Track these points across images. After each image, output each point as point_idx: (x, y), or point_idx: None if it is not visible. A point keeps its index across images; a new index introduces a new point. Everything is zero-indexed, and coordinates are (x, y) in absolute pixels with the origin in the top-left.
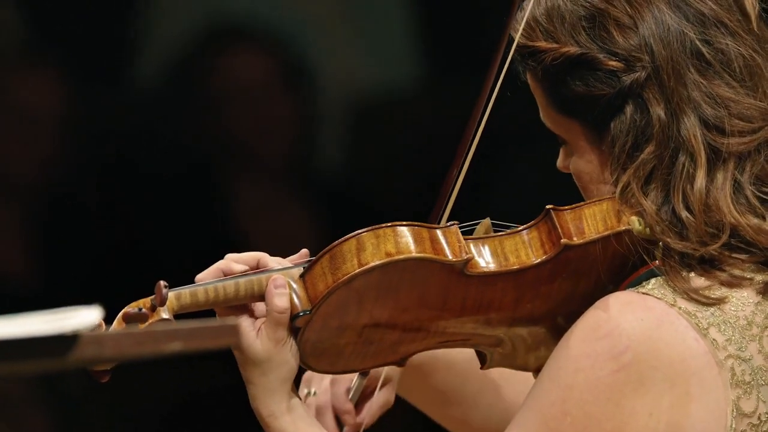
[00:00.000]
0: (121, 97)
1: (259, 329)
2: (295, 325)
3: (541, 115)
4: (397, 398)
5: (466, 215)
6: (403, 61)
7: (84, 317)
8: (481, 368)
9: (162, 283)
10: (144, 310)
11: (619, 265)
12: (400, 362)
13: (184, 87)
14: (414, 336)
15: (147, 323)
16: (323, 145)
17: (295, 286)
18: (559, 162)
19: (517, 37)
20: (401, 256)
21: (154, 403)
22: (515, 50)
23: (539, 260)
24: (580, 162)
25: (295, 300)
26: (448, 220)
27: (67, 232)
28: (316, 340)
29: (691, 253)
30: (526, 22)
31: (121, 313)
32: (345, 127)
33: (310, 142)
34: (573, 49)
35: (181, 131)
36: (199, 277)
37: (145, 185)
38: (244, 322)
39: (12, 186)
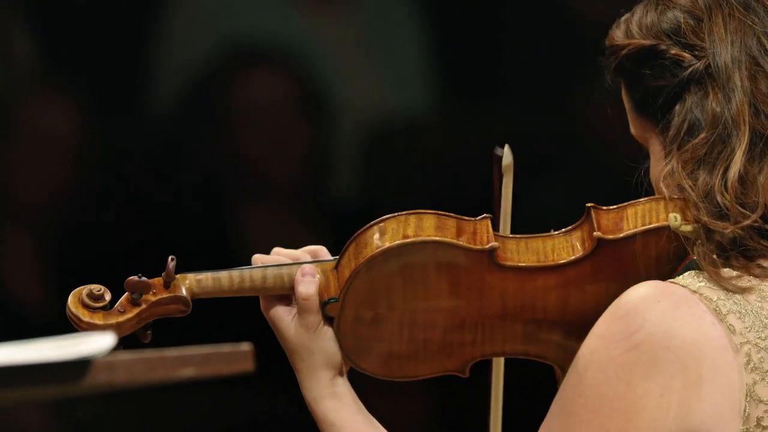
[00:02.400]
0: (134, 123)
1: (294, 317)
2: (327, 313)
3: (630, 124)
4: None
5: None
6: (418, 86)
7: (97, 342)
8: (557, 387)
9: (169, 257)
10: (144, 277)
11: (666, 267)
12: (461, 370)
13: (198, 111)
14: (462, 338)
15: (158, 297)
16: (337, 169)
17: (328, 276)
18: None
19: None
20: (418, 239)
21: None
22: (606, 53)
23: (577, 256)
24: (655, 166)
25: (327, 290)
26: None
27: (81, 256)
28: (355, 334)
29: (722, 231)
30: (621, 30)
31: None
32: (359, 152)
33: (323, 165)
34: (646, 42)
35: (195, 156)
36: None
37: (158, 210)
38: (280, 310)
39: (27, 211)
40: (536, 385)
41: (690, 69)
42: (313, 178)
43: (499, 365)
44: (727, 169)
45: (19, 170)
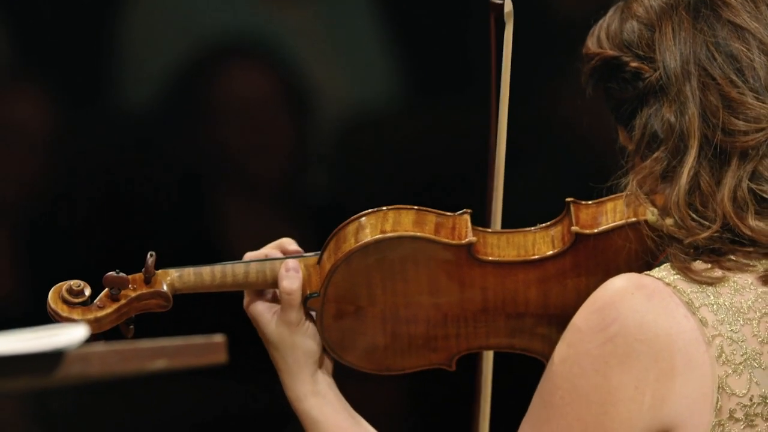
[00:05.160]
0: (109, 118)
1: (275, 313)
2: (309, 307)
3: None
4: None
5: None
6: (394, 78)
7: (70, 334)
8: None
9: (149, 253)
10: (121, 273)
11: (644, 260)
12: (448, 364)
13: (173, 104)
14: (445, 331)
15: (138, 293)
16: (315, 162)
17: (311, 272)
18: None
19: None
20: (394, 234)
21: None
22: (582, 61)
23: (556, 251)
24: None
25: (309, 285)
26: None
27: (55, 250)
28: (338, 328)
29: (682, 238)
30: (594, 37)
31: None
32: (338, 144)
33: (301, 158)
34: (610, 53)
35: (169, 150)
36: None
37: (134, 203)
38: (261, 306)
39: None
40: (525, 378)
41: (646, 81)
42: (289, 171)
43: (487, 359)
44: (679, 180)
45: None
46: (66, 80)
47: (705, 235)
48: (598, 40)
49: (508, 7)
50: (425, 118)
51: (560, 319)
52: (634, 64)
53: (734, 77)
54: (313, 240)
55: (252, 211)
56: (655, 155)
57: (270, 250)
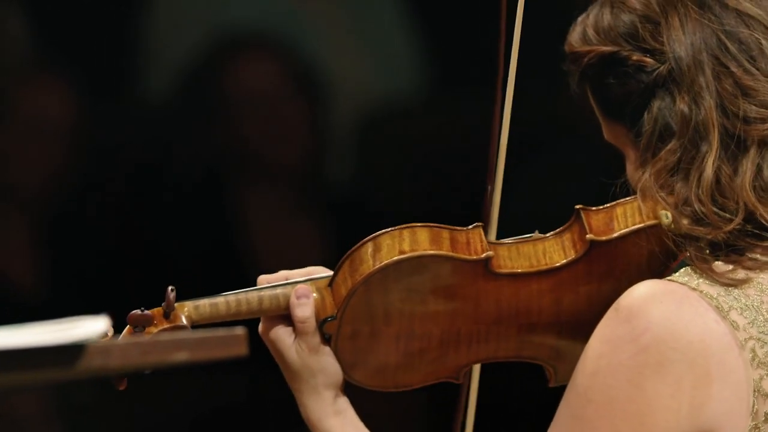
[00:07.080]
0: (130, 107)
1: (295, 338)
2: (325, 331)
3: (603, 129)
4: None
5: (514, 229)
6: (413, 71)
7: (91, 326)
8: (548, 386)
9: (169, 288)
10: (147, 311)
11: (659, 265)
12: (456, 377)
13: (192, 97)
14: (457, 347)
15: (159, 328)
16: (332, 155)
17: (323, 294)
18: None
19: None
20: (414, 254)
21: (168, 417)
22: (567, 60)
23: (569, 259)
24: (633, 172)
25: (323, 308)
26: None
27: (76, 242)
28: (351, 349)
29: (704, 237)
30: (578, 33)
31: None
32: (355, 137)
33: (319, 151)
34: (606, 49)
35: (189, 141)
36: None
37: (153, 195)
38: (280, 331)
39: (21, 195)
40: (511, 384)
41: (654, 74)
42: (308, 163)
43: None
44: (701, 175)
45: (13, 156)
46: (89, 73)
47: (728, 228)
48: (584, 36)
49: None
50: (445, 112)
51: (570, 326)
52: (635, 57)
53: (747, 65)
54: (333, 236)
55: (272, 205)
56: (668, 147)
57: (287, 272)
